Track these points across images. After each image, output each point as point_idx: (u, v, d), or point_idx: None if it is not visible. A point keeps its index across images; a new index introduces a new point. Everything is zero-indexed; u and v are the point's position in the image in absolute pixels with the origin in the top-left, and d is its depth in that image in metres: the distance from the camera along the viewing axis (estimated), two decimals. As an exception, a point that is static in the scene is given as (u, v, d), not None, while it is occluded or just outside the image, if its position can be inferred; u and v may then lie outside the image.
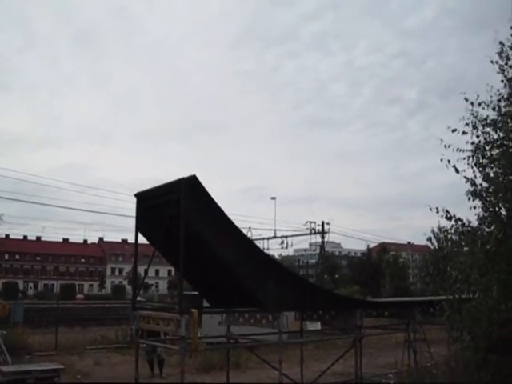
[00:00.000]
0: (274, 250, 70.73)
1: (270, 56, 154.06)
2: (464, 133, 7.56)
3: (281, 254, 68.64)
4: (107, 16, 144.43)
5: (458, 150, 7.49)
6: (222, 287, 10.52)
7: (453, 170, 7.43)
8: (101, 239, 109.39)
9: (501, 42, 7.67)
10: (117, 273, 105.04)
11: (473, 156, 7.53)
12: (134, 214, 10.70)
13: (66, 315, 28.34)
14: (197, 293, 12.57)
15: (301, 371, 12.74)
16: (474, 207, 7.47)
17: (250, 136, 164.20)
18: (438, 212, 7.54)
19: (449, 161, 7.41)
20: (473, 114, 7.59)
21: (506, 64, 7.69)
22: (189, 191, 8.80)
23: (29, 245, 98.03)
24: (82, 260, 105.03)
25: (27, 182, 44.96)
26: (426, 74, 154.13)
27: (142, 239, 10.68)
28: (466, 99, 7.63)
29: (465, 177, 7.48)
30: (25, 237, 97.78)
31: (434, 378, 9.99)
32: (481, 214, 7.49)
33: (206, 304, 12.89)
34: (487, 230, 7.43)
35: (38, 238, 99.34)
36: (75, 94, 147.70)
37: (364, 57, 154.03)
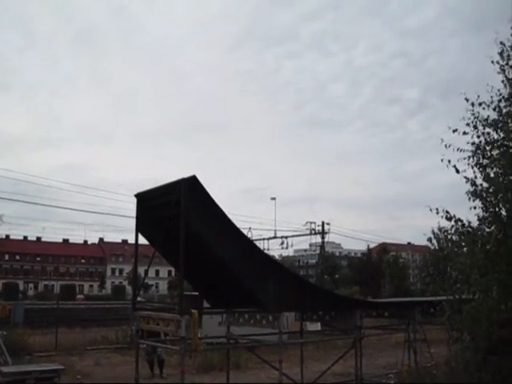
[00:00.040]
0: (275, 250, 70.72)
1: (270, 56, 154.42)
2: (465, 133, 7.56)
3: (281, 255, 68.68)
4: (107, 16, 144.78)
5: (458, 149, 7.50)
6: (222, 288, 10.52)
7: (453, 170, 7.44)
8: (101, 240, 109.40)
9: (501, 43, 7.67)
10: (117, 273, 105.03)
11: (473, 156, 7.53)
12: (134, 214, 10.71)
13: (66, 316, 28.35)
14: (197, 293, 12.56)
15: (301, 371, 12.73)
16: (475, 207, 7.47)
17: (250, 136, 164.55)
18: (438, 213, 7.55)
19: (449, 161, 7.42)
20: (474, 115, 7.59)
21: (507, 64, 7.69)
22: (189, 192, 8.80)
23: (29, 245, 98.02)
24: (82, 260, 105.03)
25: (27, 182, 45.08)
26: (426, 74, 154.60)
27: (142, 240, 10.69)
28: (467, 99, 7.63)
29: (465, 177, 7.49)
30: (25, 237, 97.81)
31: (434, 379, 9.97)
32: (481, 215, 7.50)
33: (206, 304, 12.89)
34: (487, 230, 7.43)
35: (39, 239, 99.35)
36: (75, 94, 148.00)
37: (364, 57, 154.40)
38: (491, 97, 7.67)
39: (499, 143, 7.50)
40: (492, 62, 7.71)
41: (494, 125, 7.55)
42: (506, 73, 7.71)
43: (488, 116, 7.60)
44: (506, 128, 7.47)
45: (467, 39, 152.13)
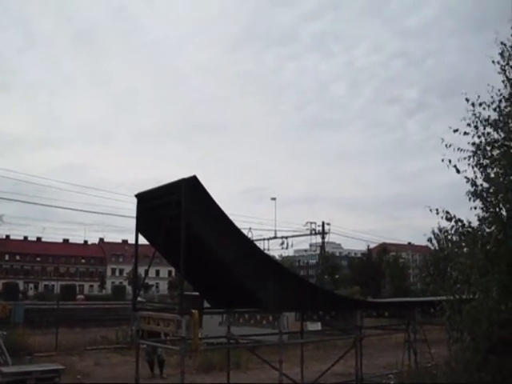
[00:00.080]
0: (275, 250, 70.64)
1: (271, 57, 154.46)
2: (466, 133, 7.57)
3: (281, 255, 68.58)
4: (107, 16, 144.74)
5: (458, 149, 7.49)
6: (222, 288, 10.52)
7: (453, 170, 7.43)
8: (101, 240, 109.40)
9: (502, 43, 7.67)
10: (117, 273, 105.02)
11: (473, 156, 7.53)
12: (134, 214, 10.73)
13: (66, 316, 28.33)
14: (197, 293, 12.57)
15: (301, 372, 12.74)
16: (475, 208, 7.47)
17: (251, 137, 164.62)
18: (437, 213, 7.55)
19: (450, 161, 7.42)
20: (475, 115, 7.59)
21: (508, 64, 7.69)
22: (189, 192, 8.81)
23: (29, 245, 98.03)
24: (83, 261, 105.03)
25: (28, 182, 45.11)
26: (426, 74, 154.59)
27: (142, 240, 10.70)
28: (467, 100, 7.63)
29: (465, 177, 7.49)
30: (25, 237, 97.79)
31: (435, 379, 9.97)
32: (481, 215, 7.50)
33: (206, 305, 12.89)
34: (487, 230, 7.43)
35: (39, 239, 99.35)
36: (75, 94, 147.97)
37: (364, 57, 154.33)
38: (492, 97, 7.68)
39: (500, 143, 7.50)
40: (493, 62, 7.72)
41: (495, 125, 7.55)
42: (507, 73, 7.71)
43: (489, 116, 7.61)
44: (507, 128, 7.47)
45: (467, 39, 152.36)
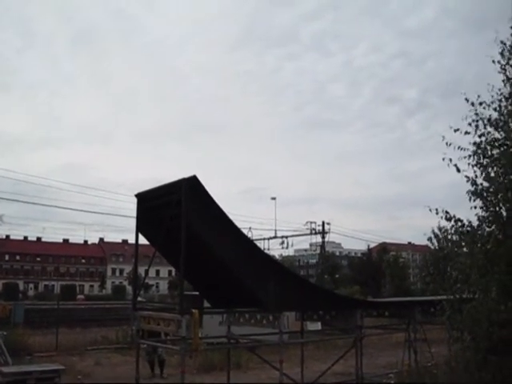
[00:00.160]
0: (275, 250, 70.55)
1: (270, 57, 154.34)
2: (467, 133, 7.57)
3: (281, 254, 68.64)
4: (107, 16, 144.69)
5: (459, 148, 7.50)
6: (222, 287, 10.53)
7: (453, 169, 7.43)
8: (101, 240, 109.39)
9: (502, 42, 7.68)
10: (117, 273, 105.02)
11: (473, 155, 7.53)
12: (134, 214, 10.73)
13: (66, 316, 28.37)
14: (197, 293, 12.57)
15: (301, 371, 12.74)
16: (475, 207, 7.48)
17: (251, 137, 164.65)
18: (437, 213, 7.56)
19: (450, 159, 7.43)
20: (477, 114, 7.59)
21: (508, 63, 7.69)
22: (189, 192, 8.81)
23: (29, 245, 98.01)
24: (83, 261, 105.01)
25: (27, 182, 45.04)
26: (426, 74, 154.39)
27: (142, 240, 10.70)
28: (467, 100, 7.64)
29: (466, 176, 7.49)
30: (25, 237, 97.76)
31: (435, 378, 9.99)
32: (481, 214, 7.50)
33: (206, 304, 12.90)
34: (487, 229, 7.44)
35: (39, 239, 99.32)
36: (75, 94, 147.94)
37: (363, 57, 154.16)
38: (492, 96, 7.69)
39: (500, 142, 7.50)
40: (493, 61, 7.72)
41: (495, 124, 7.55)
42: (507, 72, 7.71)
43: (490, 115, 7.61)
44: (507, 127, 7.48)
45: (467, 39, 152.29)
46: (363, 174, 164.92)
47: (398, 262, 55.84)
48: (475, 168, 7.52)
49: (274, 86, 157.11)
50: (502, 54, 7.71)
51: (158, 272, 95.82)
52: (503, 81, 7.73)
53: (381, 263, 63.73)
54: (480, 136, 7.58)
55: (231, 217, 9.66)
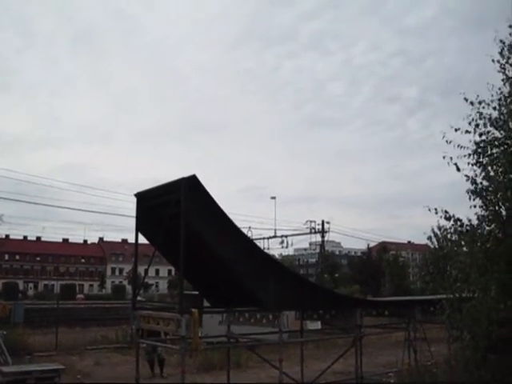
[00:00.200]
0: (274, 249, 70.68)
1: (270, 56, 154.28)
2: (467, 131, 7.57)
3: (281, 254, 68.66)
4: (107, 16, 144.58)
5: (459, 146, 7.50)
6: (222, 287, 10.52)
7: (453, 168, 7.45)
8: (101, 239, 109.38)
9: (501, 41, 7.68)
10: (117, 273, 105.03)
11: (473, 154, 7.54)
12: (134, 213, 10.72)
13: (66, 315, 28.36)
14: (197, 292, 12.57)
15: (301, 370, 12.74)
16: (475, 206, 7.48)
17: (250, 136, 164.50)
18: (436, 212, 7.56)
19: (451, 158, 7.44)
20: (479, 113, 7.59)
21: (507, 63, 7.70)
22: (189, 191, 8.80)
23: (29, 245, 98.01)
24: (82, 260, 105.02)
25: (28, 182, 45.04)
26: (426, 72, 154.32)
27: (142, 239, 10.69)
28: (466, 99, 7.64)
29: (466, 175, 7.50)
30: (25, 237, 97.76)
31: (434, 377, 9.99)
32: (481, 213, 7.51)
33: (206, 304, 12.90)
34: (487, 228, 7.44)
35: (38, 239, 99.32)
36: (75, 94, 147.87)
37: (363, 55, 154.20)
38: (492, 95, 7.69)
39: (500, 142, 7.50)
40: (492, 60, 7.72)
41: (495, 123, 7.56)
42: (506, 71, 7.71)
43: (490, 114, 7.61)
44: (507, 127, 7.48)
45: (467, 38, 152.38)
46: (363, 172, 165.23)
47: (397, 261, 55.82)
48: (475, 167, 7.54)
49: (274, 85, 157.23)
50: (501, 53, 7.72)
51: (157, 271, 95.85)
52: (503, 80, 7.74)
53: (380, 262, 63.71)
54: (480, 135, 7.58)
55: (231, 216, 9.67)
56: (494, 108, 7.65)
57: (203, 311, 12.37)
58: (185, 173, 9.16)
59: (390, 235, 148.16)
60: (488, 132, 7.58)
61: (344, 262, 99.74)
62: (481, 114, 7.59)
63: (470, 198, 7.45)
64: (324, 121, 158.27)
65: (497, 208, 7.40)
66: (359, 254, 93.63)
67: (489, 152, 7.50)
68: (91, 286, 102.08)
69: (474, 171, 7.53)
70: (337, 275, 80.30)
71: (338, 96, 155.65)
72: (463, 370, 7.63)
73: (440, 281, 8.62)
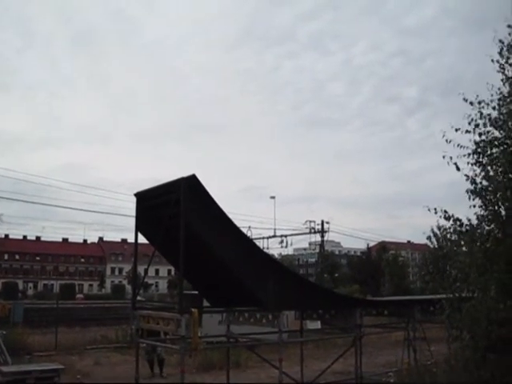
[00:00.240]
0: (274, 249, 70.88)
1: (270, 56, 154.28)
2: (467, 131, 7.57)
3: (280, 253, 68.77)
4: (106, 17, 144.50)
5: (458, 145, 7.51)
6: (221, 286, 10.52)
7: (453, 168, 7.46)
8: (100, 239, 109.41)
9: (500, 41, 7.68)
10: (116, 272, 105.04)
11: (473, 154, 7.54)
12: (133, 213, 10.71)
13: (65, 315, 28.36)
14: (197, 292, 12.57)
15: (301, 370, 12.74)
16: (474, 206, 7.49)
17: (250, 136, 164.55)
18: (436, 212, 7.56)
19: (451, 157, 7.44)
20: (479, 113, 7.59)
21: (507, 62, 7.70)
22: (188, 191, 8.80)
23: (28, 245, 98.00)
24: (82, 260, 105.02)
25: (27, 182, 44.97)
26: (426, 72, 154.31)
27: (141, 239, 10.69)
28: (465, 99, 7.64)
29: (465, 175, 7.51)
30: (24, 237, 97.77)
31: (434, 377, 9.99)
32: (480, 213, 7.51)
33: (206, 303, 12.90)
34: (487, 228, 7.45)
35: (38, 238, 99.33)
36: (74, 95, 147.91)
37: (363, 55, 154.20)
38: (491, 95, 7.69)
39: (500, 141, 7.51)
40: (492, 60, 7.72)
41: (495, 123, 7.56)
42: (506, 71, 7.72)
43: (489, 114, 7.61)
44: (506, 127, 7.48)
45: (467, 38, 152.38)
46: (362, 172, 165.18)
47: (397, 261, 55.82)
48: (475, 167, 7.54)
49: (273, 85, 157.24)
50: (500, 53, 7.71)
51: (157, 271, 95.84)
52: (502, 80, 7.74)
53: (380, 262, 63.68)
54: (480, 135, 7.59)
55: (231, 216, 9.67)
56: (494, 108, 7.66)
57: (203, 311, 12.38)
58: (185, 173, 9.17)
59: (389, 235, 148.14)
60: (488, 132, 7.59)
61: (343, 262, 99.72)
62: (481, 113, 7.59)
63: (469, 198, 7.46)
64: (324, 121, 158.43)
65: (496, 208, 7.41)
66: (359, 253, 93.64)
67: (488, 152, 7.51)
68: (91, 285, 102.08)
69: (474, 171, 7.54)
70: (336, 275, 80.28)
71: (338, 96, 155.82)
72: (463, 369, 7.63)
73: (439, 280, 8.62)
